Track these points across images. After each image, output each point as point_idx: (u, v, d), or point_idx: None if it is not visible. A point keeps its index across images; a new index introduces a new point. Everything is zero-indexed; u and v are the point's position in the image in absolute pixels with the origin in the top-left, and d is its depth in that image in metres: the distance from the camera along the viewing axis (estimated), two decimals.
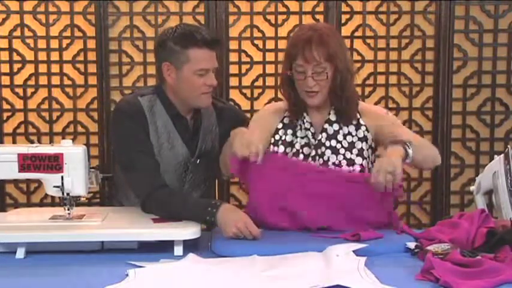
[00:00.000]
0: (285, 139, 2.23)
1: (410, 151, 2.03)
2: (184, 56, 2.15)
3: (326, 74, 2.15)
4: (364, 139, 2.22)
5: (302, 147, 2.22)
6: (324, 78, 2.15)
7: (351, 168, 2.17)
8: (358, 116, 2.25)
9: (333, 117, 2.23)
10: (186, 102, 2.23)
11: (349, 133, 2.22)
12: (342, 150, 2.20)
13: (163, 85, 2.24)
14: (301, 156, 2.21)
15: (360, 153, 2.20)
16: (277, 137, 2.25)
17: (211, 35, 2.21)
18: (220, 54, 2.91)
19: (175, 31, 2.19)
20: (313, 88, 2.16)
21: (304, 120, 2.24)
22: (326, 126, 2.23)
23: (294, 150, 2.22)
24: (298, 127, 2.25)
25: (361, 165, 2.19)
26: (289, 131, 2.25)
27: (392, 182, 1.92)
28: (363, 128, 2.23)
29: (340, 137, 2.22)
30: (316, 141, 2.21)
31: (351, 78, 2.22)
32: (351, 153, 2.20)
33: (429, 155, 2.19)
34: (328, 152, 2.19)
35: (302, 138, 2.23)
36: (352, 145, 2.21)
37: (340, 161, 2.18)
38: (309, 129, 2.23)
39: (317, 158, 2.19)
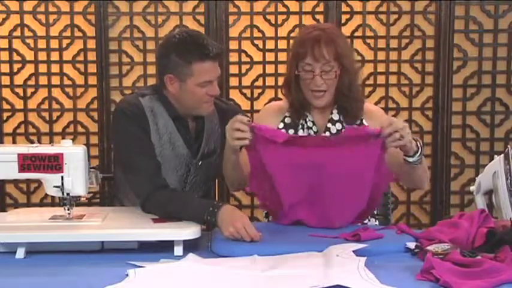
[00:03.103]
0: None
1: (420, 148, 2.03)
2: (188, 69, 2.13)
3: (335, 73, 2.15)
4: None
5: None
6: (332, 77, 2.15)
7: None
8: (362, 117, 2.25)
9: (335, 117, 2.23)
10: (187, 109, 2.23)
11: None
12: None
13: (164, 89, 2.23)
14: None
15: None
16: None
17: (214, 46, 2.15)
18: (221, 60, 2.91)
19: (178, 42, 2.15)
20: (320, 87, 2.16)
21: (307, 120, 2.24)
22: (329, 125, 2.23)
23: None
24: (300, 126, 2.24)
25: None
26: (291, 131, 2.24)
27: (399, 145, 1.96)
28: None
29: None
30: None
31: (356, 78, 2.23)
32: None
33: (424, 175, 2.16)
34: None
35: None
36: None
37: None
38: (311, 128, 2.23)
39: None
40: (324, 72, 2.14)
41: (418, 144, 2.04)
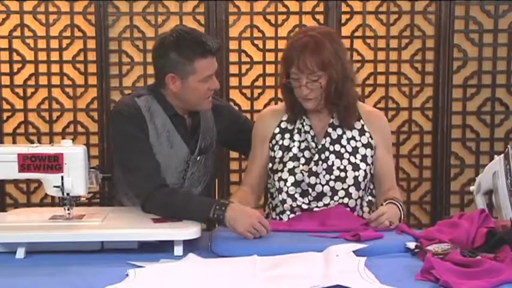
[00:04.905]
0: (282, 144, 2.24)
1: (402, 215, 2.12)
2: (190, 67, 2.15)
3: (320, 83, 2.14)
4: (368, 145, 2.22)
5: (302, 151, 2.22)
6: (318, 87, 2.14)
7: (356, 173, 2.18)
8: (362, 122, 2.25)
9: (336, 122, 2.23)
10: (188, 106, 2.24)
11: (353, 138, 2.22)
12: (347, 155, 2.20)
13: (162, 88, 2.24)
14: (302, 160, 2.21)
15: (364, 159, 2.20)
16: (273, 141, 2.26)
17: (213, 41, 2.17)
18: (220, 55, 2.91)
19: (176, 40, 2.15)
20: (307, 96, 2.16)
21: (304, 124, 2.24)
22: (330, 130, 2.22)
23: (291, 154, 2.22)
24: (296, 131, 2.25)
25: (365, 171, 2.19)
26: (287, 135, 2.25)
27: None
28: (367, 134, 2.23)
29: (344, 142, 2.21)
30: (320, 146, 2.21)
31: (350, 84, 2.21)
32: (355, 158, 2.20)
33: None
34: (332, 157, 2.19)
35: (301, 142, 2.23)
36: (355, 150, 2.21)
37: (345, 166, 2.18)
38: (308, 133, 2.23)
39: (320, 162, 2.19)
40: (309, 82, 2.13)
41: (402, 214, 2.12)
